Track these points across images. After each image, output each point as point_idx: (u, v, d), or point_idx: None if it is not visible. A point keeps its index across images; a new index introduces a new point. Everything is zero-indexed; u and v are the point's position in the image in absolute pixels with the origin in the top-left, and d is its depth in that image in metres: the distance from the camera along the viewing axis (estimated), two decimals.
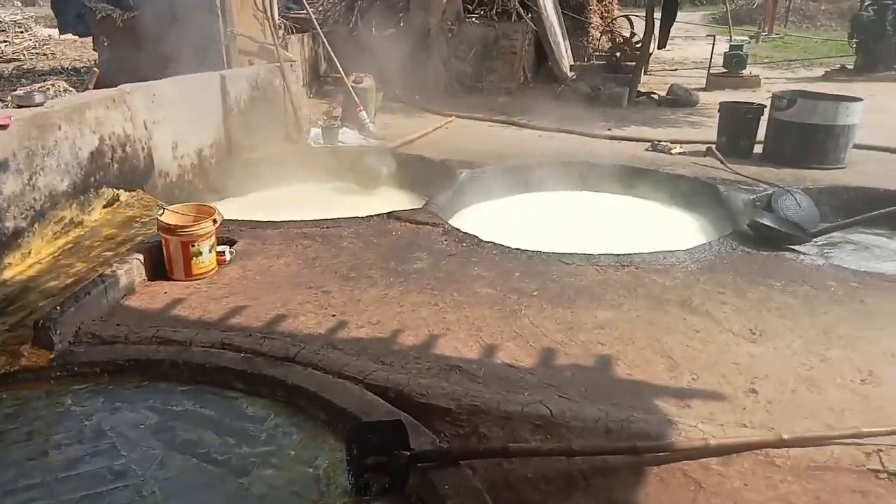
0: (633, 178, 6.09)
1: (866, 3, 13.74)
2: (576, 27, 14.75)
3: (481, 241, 4.32)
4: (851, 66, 14.10)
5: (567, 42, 13.31)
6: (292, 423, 2.77)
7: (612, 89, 10.29)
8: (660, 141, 7.13)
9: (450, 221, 5.10)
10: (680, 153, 6.91)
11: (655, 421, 2.56)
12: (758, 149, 6.87)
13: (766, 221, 4.39)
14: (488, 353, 3.09)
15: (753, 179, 5.91)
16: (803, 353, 3.11)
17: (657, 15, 10.41)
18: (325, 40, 8.38)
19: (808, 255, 4.21)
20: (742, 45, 12.93)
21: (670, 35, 11.37)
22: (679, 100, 10.46)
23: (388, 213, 4.68)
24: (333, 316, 3.42)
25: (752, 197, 5.47)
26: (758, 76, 12.81)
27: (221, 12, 6.36)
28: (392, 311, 3.46)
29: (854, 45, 13.96)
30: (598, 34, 14.81)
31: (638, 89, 11.11)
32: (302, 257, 4.12)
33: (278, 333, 3.25)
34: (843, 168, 6.41)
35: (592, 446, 2.36)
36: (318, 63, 10.31)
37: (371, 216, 4.65)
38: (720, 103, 6.99)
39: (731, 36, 15.12)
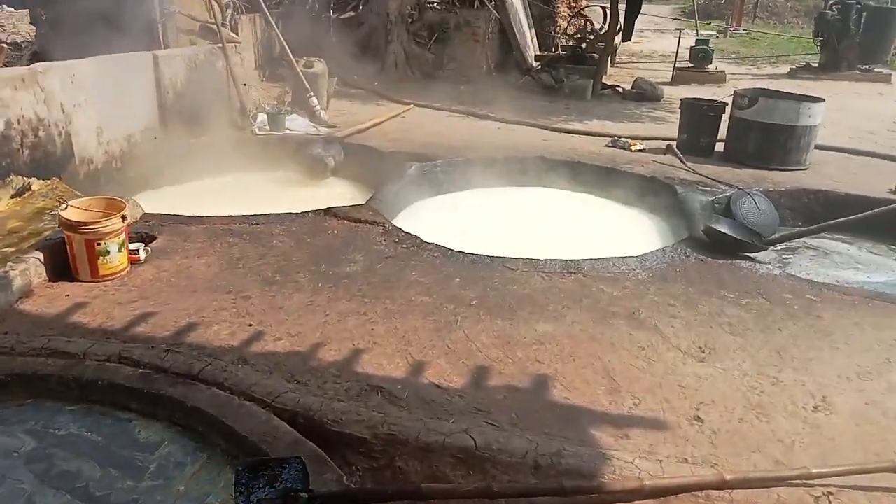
0: (589, 175, 5.86)
1: (830, 2, 13.71)
2: (543, 16, 14.50)
3: (423, 242, 4.04)
4: (816, 65, 14.10)
5: (533, 31, 13.04)
6: (187, 452, 2.46)
7: (575, 81, 10.06)
8: (620, 137, 6.90)
9: (395, 219, 4.82)
10: (640, 150, 6.70)
11: (589, 455, 2.31)
12: (720, 146, 6.70)
13: (722, 228, 4.18)
14: (416, 371, 2.81)
15: (713, 180, 5.72)
16: (754, 374, 2.89)
17: (622, 6, 10.19)
18: (270, 19, 7.94)
19: (765, 263, 4.01)
20: (708, 40, 12.81)
21: (637, 27, 11.19)
22: (644, 94, 10.27)
23: (326, 209, 4.36)
24: (250, 325, 3.11)
25: (710, 198, 5.28)
26: (724, 72, 12.70)
27: None
28: (316, 321, 3.16)
29: (819, 44, 13.94)
30: (564, 24, 14.60)
31: (603, 82, 10.92)
32: (225, 257, 3.79)
33: (185, 346, 2.93)
34: (804, 169, 6.26)
35: (515, 487, 2.10)
36: (273, 45, 9.85)
37: (307, 212, 4.33)
38: (681, 100, 6.79)
39: (697, 30, 14.98)
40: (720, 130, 6.69)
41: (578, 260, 3.84)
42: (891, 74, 13.79)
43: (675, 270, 3.85)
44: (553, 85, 9.97)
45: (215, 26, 6.56)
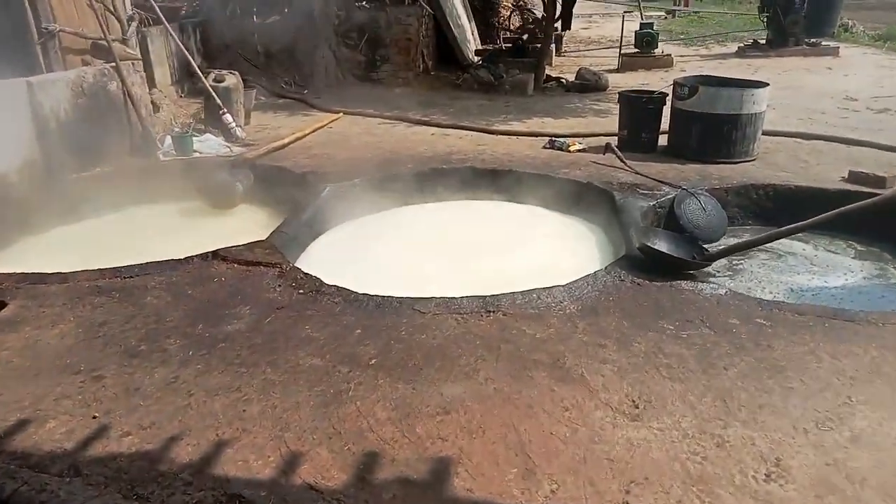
0: (523, 184, 5.39)
1: None
2: (486, 7, 14.01)
3: (323, 285, 3.52)
4: (764, 41, 13.84)
5: (474, 24, 12.56)
6: None
7: (515, 76, 9.60)
8: (558, 138, 6.44)
9: (302, 254, 4.30)
10: (580, 150, 6.26)
11: None
12: (664, 139, 6.29)
13: (659, 246, 3.73)
14: (289, 468, 2.30)
15: (655, 180, 5.29)
16: (695, 433, 2.44)
17: None
18: (170, 29, 7.31)
19: (711, 278, 3.57)
20: (653, 24, 12.45)
21: (585, 13, 10.75)
22: (588, 84, 9.86)
23: (214, 251, 3.81)
24: (95, 417, 2.56)
25: (652, 203, 4.84)
26: (670, 55, 12.36)
27: (30, 3, 5.28)
28: (176, 405, 2.62)
29: (765, 20, 13.69)
30: (507, 14, 14.13)
31: (547, 73, 10.48)
32: (85, 324, 3.22)
33: (6, 454, 2.37)
34: (752, 160, 5.88)
35: None
36: (191, 57, 9.19)
37: (192, 258, 3.78)
38: (619, 94, 6.36)
39: (641, 14, 14.63)
40: (663, 123, 6.29)
41: (499, 295, 3.35)
42: (838, 47, 13.60)
43: (608, 299, 3.39)
44: (492, 82, 9.50)
45: (106, 43, 5.93)
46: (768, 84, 5.85)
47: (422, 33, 9.94)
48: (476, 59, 11.20)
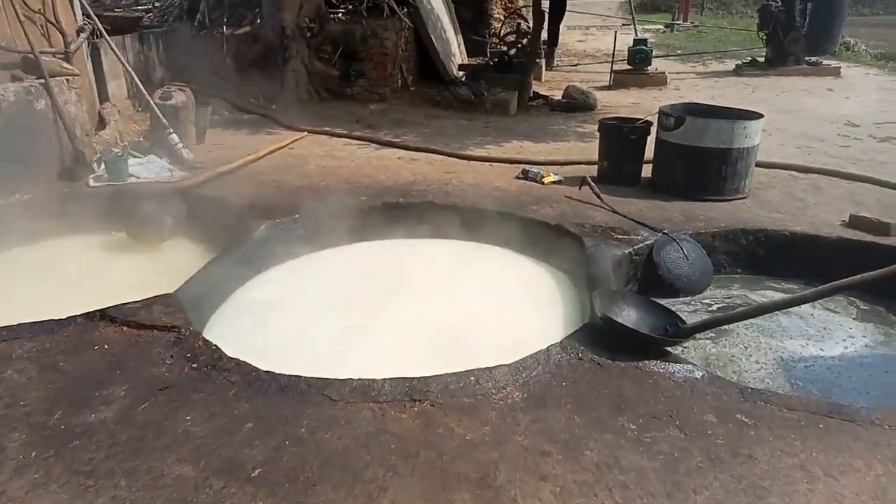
0: (485, 222, 4.82)
1: None
2: (476, 18, 13.50)
3: (222, 358, 2.95)
4: (762, 59, 13.33)
5: (460, 37, 12.03)
6: None
7: (498, 94, 9.06)
8: (531, 169, 5.88)
9: (214, 313, 3.73)
10: (555, 182, 5.70)
11: None
12: (648, 169, 5.74)
13: (625, 316, 3.16)
14: None
15: (633, 221, 4.73)
16: None
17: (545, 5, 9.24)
18: (109, 41, 6.75)
19: (684, 361, 3.00)
20: (646, 40, 11.94)
21: (582, 25, 10.22)
22: (575, 104, 9.33)
23: (102, 310, 3.24)
24: None
25: (628, 251, 4.28)
26: (664, 73, 11.84)
27: None
28: None
29: (764, 38, 13.18)
30: (499, 26, 13.61)
31: (535, 90, 9.95)
32: None
33: None
34: (743, 198, 5.32)
35: None
36: (152, 69, 8.66)
37: (74, 318, 3.20)
38: (599, 122, 5.80)
39: (635, 29, 14.11)
40: (648, 153, 5.73)
41: (429, 378, 2.78)
42: (839, 67, 13.10)
43: (561, 385, 2.82)
44: (473, 100, 8.95)
45: (33, 56, 5.38)
46: (762, 115, 5.30)
47: (400, 47, 9.40)
48: (460, 74, 10.67)
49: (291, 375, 2.81)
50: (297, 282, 4.13)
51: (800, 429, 2.58)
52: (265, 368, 2.86)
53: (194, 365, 2.92)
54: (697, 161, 5.16)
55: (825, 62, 13.24)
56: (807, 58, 13.03)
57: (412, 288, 4.06)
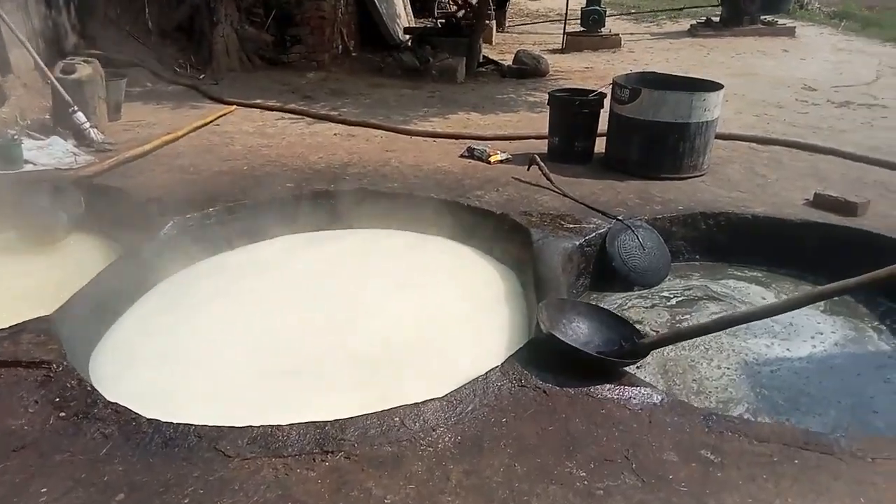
0: (425, 212, 4.36)
1: None
2: None
3: (97, 403, 2.46)
4: (717, 19, 12.99)
5: None
6: None
7: (444, 61, 8.50)
8: (477, 146, 5.42)
9: (111, 328, 3.22)
10: (502, 161, 5.25)
11: None
12: (602, 143, 5.33)
13: (575, 330, 2.77)
14: None
15: (585, 206, 4.33)
16: None
17: None
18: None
19: (640, 383, 2.62)
20: (600, 0, 11.41)
21: None
22: (526, 70, 8.85)
23: None
24: None
25: (578, 242, 3.89)
26: (618, 35, 11.40)
27: None
28: None
29: None
30: None
31: (484, 55, 9.42)
32: None
33: None
34: (701, 175, 4.97)
35: None
36: (63, 36, 7.84)
37: None
38: (549, 95, 5.34)
39: None
40: (602, 126, 5.32)
41: (347, 421, 2.35)
42: (794, 27, 12.84)
43: (501, 422, 2.42)
44: (418, 67, 8.38)
45: None
46: (722, 86, 4.91)
47: (340, 9, 8.74)
48: (406, 38, 10.06)
49: (180, 424, 2.34)
50: (201, 291, 3.61)
51: (772, 466, 2.24)
52: (150, 415, 2.38)
53: (62, 413, 2.43)
54: (653, 137, 4.77)
55: (780, 21, 12.97)
56: (762, 17, 12.74)
57: (333, 293, 3.59)
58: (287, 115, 6.76)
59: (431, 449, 2.28)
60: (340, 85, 8.14)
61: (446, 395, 2.50)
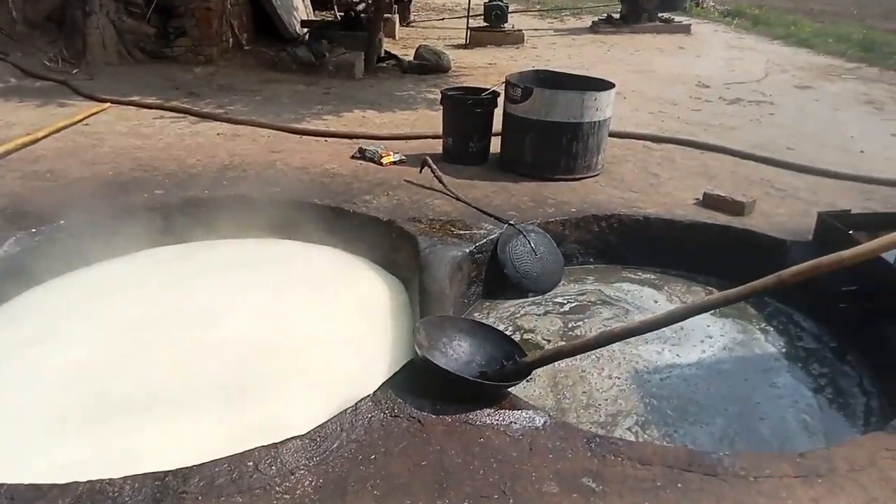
0: (312, 220, 4.08)
1: None
2: None
3: None
4: (618, 16, 13.23)
5: None
6: None
7: (341, 55, 8.18)
8: (369, 146, 5.17)
9: None
10: (395, 162, 5.02)
11: None
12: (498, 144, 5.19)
13: (454, 351, 2.58)
14: None
15: (478, 210, 4.16)
16: None
17: None
18: None
19: (522, 409, 2.45)
20: None
21: None
22: (427, 66, 8.65)
23: None
24: None
25: (468, 249, 3.71)
26: (521, 31, 11.39)
27: None
28: None
29: None
30: None
31: (387, 50, 9.15)
32: None
33: None
34: (596, 176, 4.91)
35: None
36: None
37: None
38: (442, 94, 5.14)
39: None
40: (498, 126, 5.18)
41: (191, 469, 2.06)
42: (689, 25, 13.24)
43: (369, 459, 2.19)
44: (313, 62, 8.02)
45: None
46: (613, 85, 4.86)
47: (228, 1, 8.25)
48: (304, 31, 9.65)
49: None
50: (46, 316, 3.21)
51: (655, 492, 2.12)
52: None
53: None
54: (546, 137, 4.66)
55: (677, 19, 13.34)
56: (659, 14, 13.05)
57: (195, 312, 3.26)
58: (168, 114, 6.29)
59: (288, 497, 2.03)
60: (230, 80, 7.69)
61: (309, 431, 2.25)
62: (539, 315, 3.70)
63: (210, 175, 4.63)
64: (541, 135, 4.67)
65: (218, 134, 5.74)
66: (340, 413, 2.33)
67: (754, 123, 6.81)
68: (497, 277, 3.84)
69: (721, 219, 4.21)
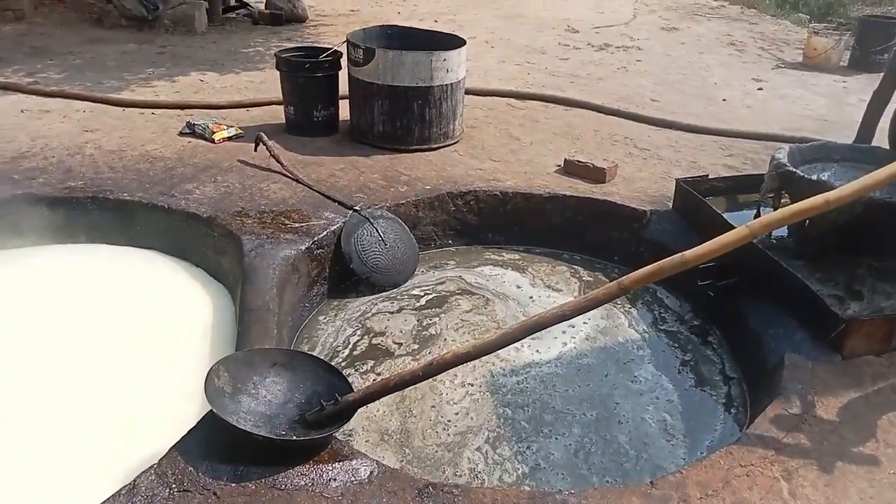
0: (109, 219, 3.48)
1: None
2: None
3: None
4: None
5: None
6: None
7: (178, 6, 7.26)
8: (198, 120, 4.54)
9: None
10: (229, 137, 4.43)
11: None
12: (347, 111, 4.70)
13: (265, 398, 2.16)
14: None
15: (320, 194, 3.70)
16: None
17: None
18: None
19: (345, 459, 2.08)
20: None
21: None
22: (280, 15, 7.88)
23: None
24: None
25: (304, 246, 3.26)
26: None
27: None
28: None
29: None
30: None
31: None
32: None
33: None
34: (454, 143, 4.53)
35: None
36: None
37: None
38: (276, 56, 4.54)
39: None
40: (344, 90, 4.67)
41: None
42: None
43: None
44: (145, 15, 7.08)
45: None
46: (464, 42, 4.44)
47: None
48: None
49: None
50: None
51: None
52: None
53: None
54: (396, 103, 4.22)
55: None
56: None
57: None
58: None
59: None
60: (45, 41, 6.66)
61: None
62: (392, 313, 3.34)
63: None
64: (390, 101, 4.22)
65: (21, 111, 4.89)
66: (112, 496, 1.88)
67: (621, 72, 6.62)
68: (344, 273, 3.43)
69: (582, 188, 3.96)
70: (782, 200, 3.20)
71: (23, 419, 2.39)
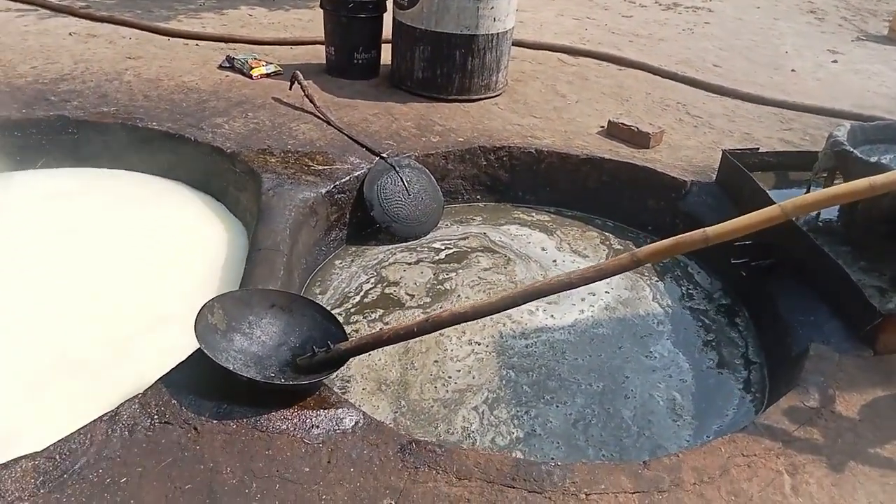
0: (150, 149, 3.49)
1: None
2: None
3: None
4: None
5: None
6: None
7: None
8: (238, 55, 4.49)
9: None
10: (267, 74, 4.37)
11: None
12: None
13: (254, 342, 2.13)
14: None
15: (349, 137, 3.62)
16: None
17: None
18: None
19: (330, 407, 2.04)
20: None
21: None
22: None
23: None
24: None
25: (325, 189, 3.20)
26: None
27: None
28: None
29: None
30: None
31: None
32: None
33: None
34: (497, 96, 4.37)
35: None
36: None
37: None
38: None
39: None
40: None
41: None
42: None
43: (118, 483, 1.77)
44: None
45: None
46: None
47: None
48: None
49: None
50: None
51: None
52: None
53: None
54: (438, 50, 4.07)
55: None
56: None
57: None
58: (14, 5, 5.39)
59: None
60: None
61: (48, 447, 1.81)
62: (409, 264, 3.27)
63: (36, 88, 3.91)
64: (432, 48, 4.07)
65: (70, 34, 4.93)
66: (93, 421, 1.89)
67: (686, 34, 6.26)
68: (365, 220, 3.36)
69: (623, 152, 3.77)
70: (835, 182, 2.97)
71: (23, 331, 2.43)
